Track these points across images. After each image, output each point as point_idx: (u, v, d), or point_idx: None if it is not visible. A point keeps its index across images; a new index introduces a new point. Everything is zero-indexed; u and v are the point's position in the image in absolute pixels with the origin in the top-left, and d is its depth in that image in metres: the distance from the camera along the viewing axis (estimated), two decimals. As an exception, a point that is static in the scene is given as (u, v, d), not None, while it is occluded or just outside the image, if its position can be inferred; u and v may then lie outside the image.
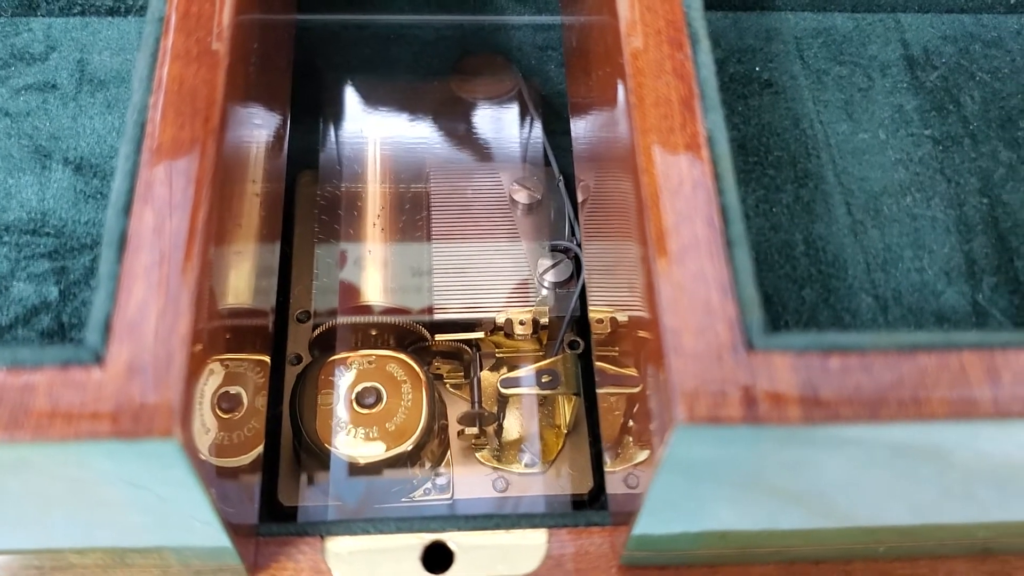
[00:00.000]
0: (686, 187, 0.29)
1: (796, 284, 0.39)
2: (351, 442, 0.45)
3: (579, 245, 0.51)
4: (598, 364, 0.40)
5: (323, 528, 0.36)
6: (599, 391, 0.40)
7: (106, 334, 0.26)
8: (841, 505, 0.33)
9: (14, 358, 0.26)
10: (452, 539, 0.36)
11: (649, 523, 0.32)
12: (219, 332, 0.30)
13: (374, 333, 0.50)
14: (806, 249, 0.40)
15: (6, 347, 0.27)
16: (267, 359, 0.39)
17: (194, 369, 0.26)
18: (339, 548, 0.35)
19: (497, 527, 0.36)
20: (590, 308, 0.43)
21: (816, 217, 0.41)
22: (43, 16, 0.45)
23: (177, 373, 0.26)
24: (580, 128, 0.44)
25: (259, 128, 0.37)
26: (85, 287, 0.37)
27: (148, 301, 0.27)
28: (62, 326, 0.37)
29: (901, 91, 0.45)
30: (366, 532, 0.36)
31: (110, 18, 0.45)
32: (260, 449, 0.37)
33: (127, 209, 0.28)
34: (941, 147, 0.43)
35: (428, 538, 0.36)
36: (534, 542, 0.36)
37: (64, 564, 0.34)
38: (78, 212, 0.39)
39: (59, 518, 0.31)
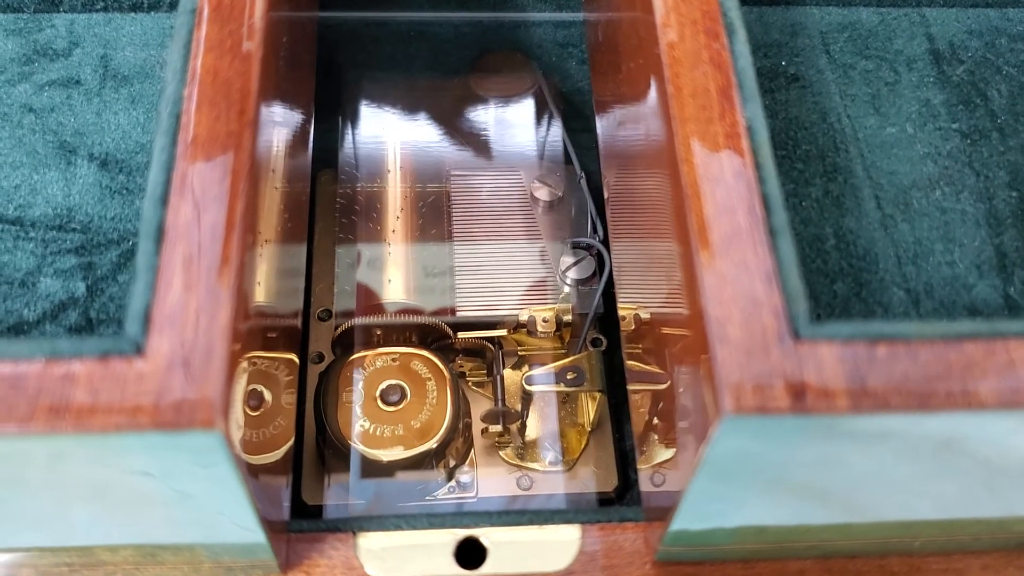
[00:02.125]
0: (727, 176, 0.29)
1: (828, 278, 0.39)
2: (376, 440, 0.45)
3: (602, 242, 0.50)
4: (628, 362, 0.40)
5: (355, 524, 0.35)
6: (630, 387, 0.39)
7: (146, 325, 0.26)
8: (878, 500, 0.32)
9: (53, 349, 0.25)
10: (485, 535, 0.35)
11: (686, 519, 0.32)
12: (253, 328, 0.30)
13: (396, 331, 0.49)
14: (837, 243, 0.40)
15: (44, 339, 0.27)
16: (295, 358, 0.39)
17: (233, 362, 0.26)
18: (371, 544, 0.35)
19: (530, 523, 0.36)
20: (619, 304, 0.43)
21: (846, 211, 0.41)
22: (66, 12, 0.45)
23: (218, 365, 0.25)
24: (608, 123, 0.44)
25: (286, 125, 0.37)
26: (112, 282, 0.37)
27: (187, 293, 0.26)
28: (90, 321, 0.36)
29: (928, 85, 0.45)
30: (398, 528, 0.35)
31: (132, 14, 0.45)
32: (290, 446, 0.37)
33: (164, 200, 0.28)
34: (969, 141, 0.43)
35: (461, 534, 0.35)
36: (567, 538, 0.35)
37: (94, 561, 0.33)
38: (104, 208, 0.39)
39: (92, 515, 0.30)
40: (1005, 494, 0.32)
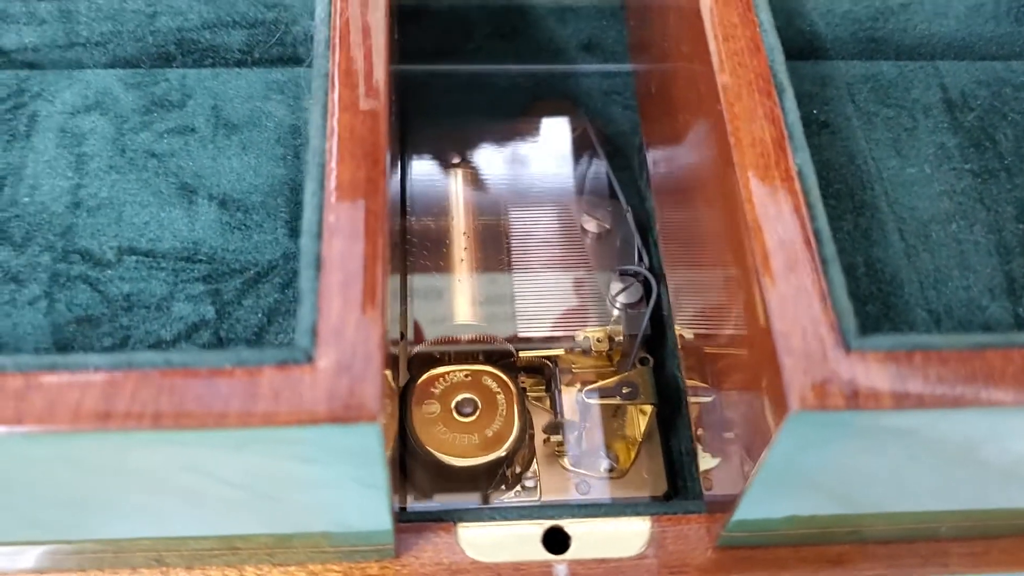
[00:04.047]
0: (784, 214, 0.35)
1: (860, 301, 0.44)
2: (452, 447, 0.50)
3: (649, 269, 0.56)
4: (688, 380, 0.45)
5: (455, 516, 0.41)
6: (689, 399, 0.45)
7: (314, 338, 0.31)
8: (911, 491, 0.38)
9: (239, 359, 0.31)
10: (568, 525, 0.41)
11: (747, 509, 0.38)
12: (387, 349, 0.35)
13: (465, 352, 0.55)
14: (867, 271, 0.45)
15: (232, 350, 0.32)
16: (395, 377, 0.44)
17: (386, 371, 0.32)
18: (470, 533, 0.40)
19: (607, 515, 0.41)
20: (677, 325, 0.48)
21: (873, 242, 0.46)
22: (178, 67, 0.50)
23: (375, 370, 0.31)
24: (661, 163, 0.50)
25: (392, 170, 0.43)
26: (238, 307, 0.43)
27: (346, 311, 0.32)
28: (220, 340, 0.42)
29: (942, 130, 0.51)
30: (492, 519, 0.41)
31: (238, 69, 0.50)
32: (395, 449, 0.42)
33: (319, 236, 0.33)
34: (980, 179, 0.49)
35: (547, 524, 0.41)
36: (639, 528, 0.41)
37: (230, 548, 0.39)
38: (226, 241, 0.45)
39: (240, 507, 0.36)
40: (1012, 485, 0.38)
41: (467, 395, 0.52)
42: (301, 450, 0.32)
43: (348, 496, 0.35)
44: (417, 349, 0.54)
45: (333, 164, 0.35)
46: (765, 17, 0.40)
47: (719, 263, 0.39)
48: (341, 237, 0.33)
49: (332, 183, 0.35)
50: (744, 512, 0.38)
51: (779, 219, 0.35)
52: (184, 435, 0.30)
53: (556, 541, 0.40)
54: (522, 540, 0.40)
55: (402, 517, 0.40)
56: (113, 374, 0.30)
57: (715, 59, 0.39)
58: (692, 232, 0.44)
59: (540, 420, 0.55)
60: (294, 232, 0.45)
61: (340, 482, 0.34)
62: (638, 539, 0.40)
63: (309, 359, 0.31)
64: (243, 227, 0.45)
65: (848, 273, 0.45)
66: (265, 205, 0.46)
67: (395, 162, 0.53)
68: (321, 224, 0.34)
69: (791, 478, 0.35)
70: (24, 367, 0.30)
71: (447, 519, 0.40)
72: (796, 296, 0.33)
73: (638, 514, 0.41)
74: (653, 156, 0.52)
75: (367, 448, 0.31)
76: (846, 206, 0.48)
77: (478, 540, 0.40)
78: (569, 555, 0.40)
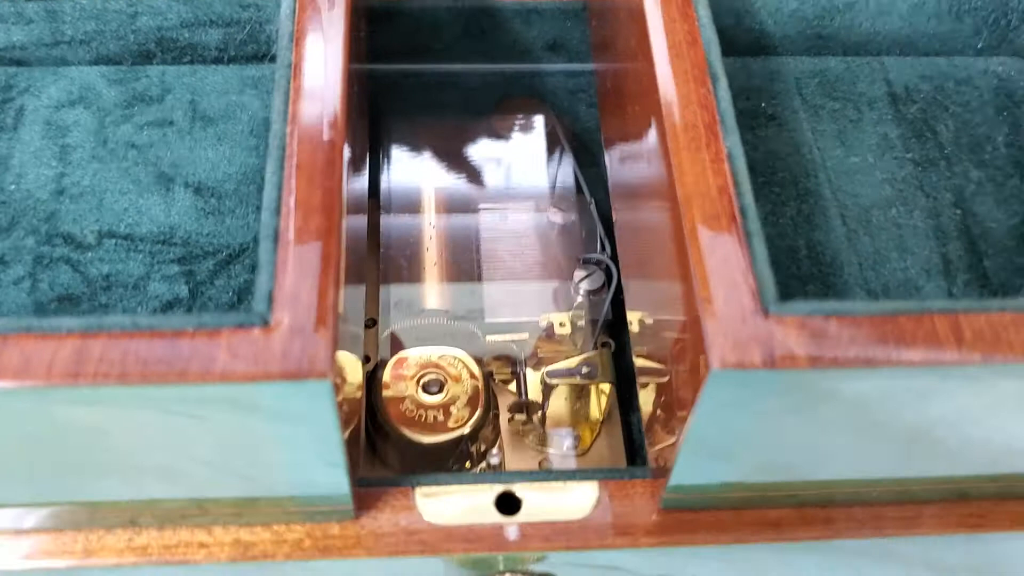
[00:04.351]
0: (712, 192, 0.37)
1: (801, 281, 0.47)
2: (419, 425, 0.52)
3: (611, 258, 0.59)
4: (636, 359, 0.48)
5: (413, 481, 0.43)
6: (639, 379, 0.47)
7: (270, 304, 0.34)
8: (839, 457, 0.40)
9: (200, 322, 0.33)
10: (519, 490, 0.43)
11: (683, 472, 0.40)
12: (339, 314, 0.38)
13: (434, 335, 0.57)
14: (808, 253, 0.48)
15: (193, 314, 0.34)
16: (358, 358, 0.47)
17: (336, 334, 0.34)
18: (426, 498, 0.42)
19: (556, 479, 0.44)
20: (628, 310, 0.51)
21: (816, 227, 0.49)
22: (158, 64, 0.53)
23: (327, 332, 0.33)
24: (615, 156, 0.52)
25: (355, 159, 0.45)
26: (210, 286, 0.45)
27: (301, 280, 0.34)
28: (193, 318, 0.44)
29: (886, 122, 0.53)
30: (448, 484, 0.43)
31: (214, 65, 0.53)
32: (356, 424, 0.44)
33: (277, 211, 0.36)
34: (921, 168, 0.51)
35: (499, 488, 0.43)
36: (588, 492, 0.43)
37: (203, 511, 0.41)
38: (200, 226, 0.47)
39: (210, 470, 0.38)
40: (934, 450, 0.40)
41: (434, 376, 0.54)
42: (260, 408, 0.34)
43: (307, 457, 0.37)
44: (387, 332, 0.57)
45: (293, 146, 0.38)
46: (703, 12, 0.43)
47: (659, 244, 0.41)
48: (298, 213, 0.36)
49: (292, 163, 0.37)
50: (680, 475, 0.40)
51: (708, 196, 0.37)
52: (149, 391, 0.32)
53: (508, 504, 0.43)
54: (476, 503, 0.42)
55: (362, 482, 0.42)
56: (84, 335, 0.33)
57: (655, 51, 0.42)
58: (639, 218, 0.46)
59: (506, 401, 0.57)
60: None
61: (298, 442, 0.36)
62: (586, 502, 0.43)
63: (265, 322, 0.34)
64: (217, 212, 0.48)
65: (790, 255, 0.48)
66: (238, 192, 0.48)
67: (368, 157, 0.56)
68: (280, 201, 0.36)
69: (718, 440, 0.38)
70: (1, 329, 0.33)
71: (405, 484, 0.43)
72: (720, 265, 0.36)
73: (586, 479, 0.43)
74: (609, 149, 0.54)
75: (320, 406, 0.34)
76: (790, 193, 0.50)
77: (434, 504, 0.42)
78: (520, 517, 0.42)
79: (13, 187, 0.48)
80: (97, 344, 0.33)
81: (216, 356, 0.33)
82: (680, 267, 0.37)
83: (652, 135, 0.42)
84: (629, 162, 0.48)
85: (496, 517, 0.42)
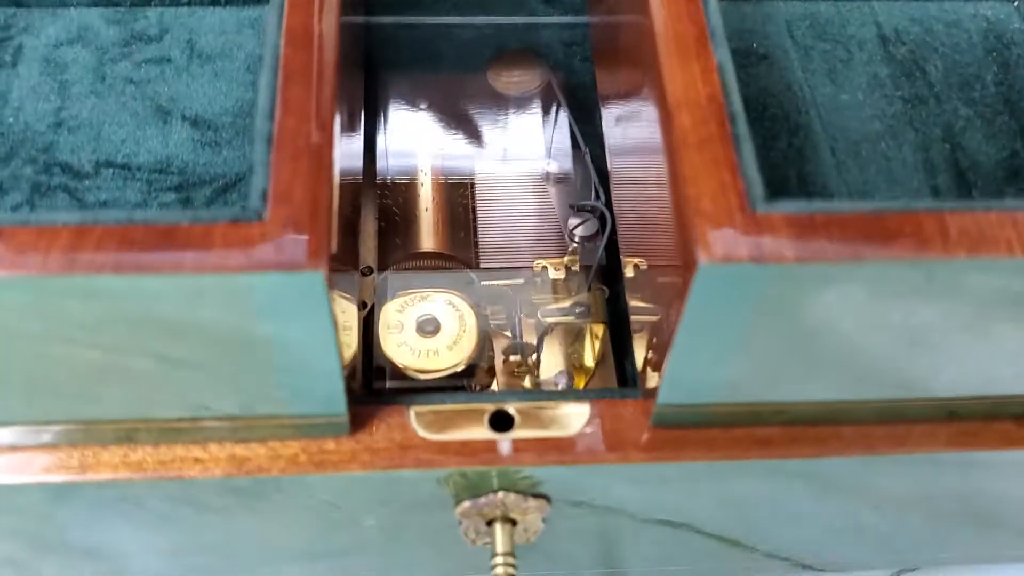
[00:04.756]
0: (702, 99, 0.38)
1: (791, 209, 0.47)
2: (415, 362, 0.53)
3: (606, 205, 0.59)
4: (631, 301, 0.48)
5: (407, 400, 0.43)
6: (632, 318, 0.48)
7: (264, 201, 0.34)
8: (827, 371, 0.41)
9: (195, 216, 0.34)
10: (513, 407, 0.43)
11: (671, 388, 0.40)
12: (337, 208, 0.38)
13: (431, 278, 0.58)
14: (798, 183, 0.48)
15: (190, 209, 0.35)
16: (354, 302, 0.47)
17: (329, 231, 0.34)
18: (421, 414, 0.43)
19: (549, 399, 0.44)
20: (622, 255, 0.51)
21: (806, 159, 0.49)
22: (156, 6, 0.54)
23: (320, 227, 0.34)
24: (610, 107, 0.53)
25: (347, 111, 0.46)
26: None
27: (294, 179, 0.35)
28: (189, 242, 0.45)
29: (876, 62, 0.54)
30: (443, 403, 0.43)
31: (212, 7, 0.54)
32: (354, 352, 0.45)
33: (271, 116, 0.36)
34: (910, 105, 0.52)
35: (492, 406, 0.43)
36: (579, 410, 0.43)
37: (199, 427, 0.41)
38: (197, 156, 0.48)
39: (204, 381, 0.39)
40: (922, 363, 0.40)
41: (430, 316, 0.55)
42: (254, 306, 0.34)
43: (302, 359, 0.37)
44: (383, 276, 0.57)
45: (288, 55, 0.38)
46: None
47: (652, 171, 0.42)
48: (291, 117, 0.36)
49: (284, 71, 0.38)
50: (668, 391, 0.41)
51: (697, 103, 0.38)
52: (144, 282, 0.33)
53: (501, 422, 0.43)
54: (469, 420, 0.43)
55: (357, 401, 0.43)
56: (81, 227, 0.33)
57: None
58: (634, 162, 0.47)
59: (501, 345, 0.58)
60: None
61: (293, 343, 0.36)
62: (578, 419, 0.43)
63: (259, 217, 0.34)
64: (213, 144, 0.48)
65: (780, 186, 0.48)
66: (234, 125, 0.49)
67: (364, 109, 0.56)
68: (274, 106, 0.37)
69: (706, 347, 0.38)
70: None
71: (400, 403, 0.43)
72: (709, 167, 0.36)
73: (579, 399, 0.44)
74: (604, 102, 0.55)
75: (314, 300, 0.34)
76: (781, 127, 0.51)
77: (428, 420, 0.43)
78: (513, 434, 0.43)
79: (12, 120, 0.49)
80: (93, 235, 0.33)
81: (211, 248, 0.33)
82: (671, 176, 0.38)
83: (646, 53, 0.42)
84: (624, 109, 0.49)
85: (489, 434, 0.43)
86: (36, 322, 0.35)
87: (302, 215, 0.34)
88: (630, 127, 0.47)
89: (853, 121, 0.51)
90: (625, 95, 0.48)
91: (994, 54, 0.55)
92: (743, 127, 0.37)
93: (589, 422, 0.43)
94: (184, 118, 0.49)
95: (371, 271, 0.60)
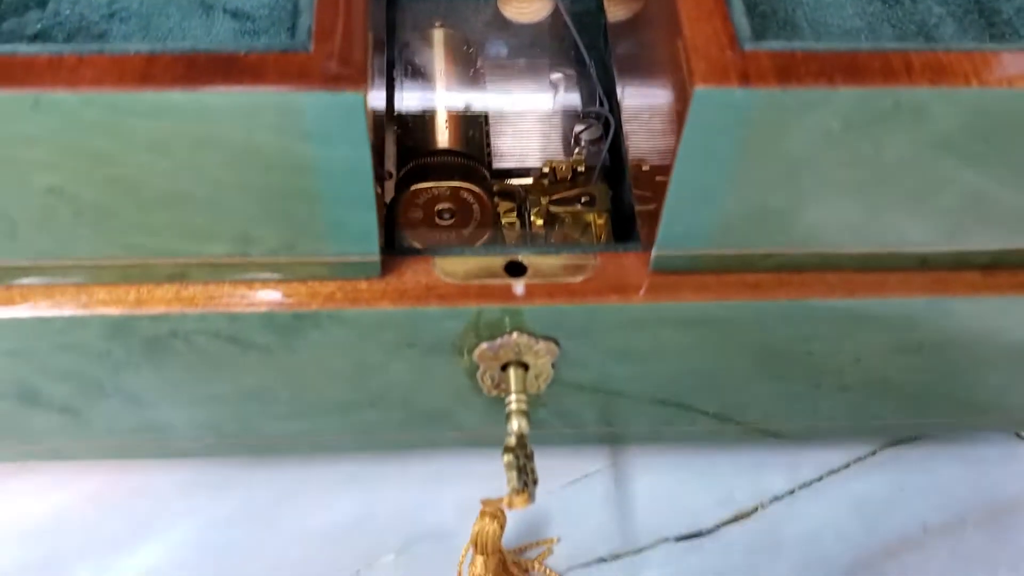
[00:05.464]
0: (697, -36, 0.43)
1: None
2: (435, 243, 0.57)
3: (610, 111, 0.64)
4: (636, 197, 0.53)
5: (431, 252, 0.48)
6: (638, 210, 0.52)
7: (310, 36, 0.39)
8: (811, 210, 0.45)
9: (251, 46, 0.39)
10: (526, 259, 0.48)
11: (669, 232, 0.45)
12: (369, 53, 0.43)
13: (446, 173, 0.63)
14: (785, 68, 0.53)
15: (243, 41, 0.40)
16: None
17: (368, 63, 0.39)
18: (444, 262, 0.47)
19: (559, 252, 0.49)
20: (628, 156, 0.56)
21: (793, 50, 0.54)
22: (196, -81, 0.59)
23: (360, 60, 0.38)
24: (616, 21, 0.58)
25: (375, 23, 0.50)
26: (248, 88, 0.50)
27: (335, 21, 0.40)
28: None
29: (857, -31, 0.59)
30: (463, 254, 0.48)
31: (249, -80, 0.59)
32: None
33: (315, -30, 0.41)
34: (887, 5, 0.57)
35: (507, 258, 0.48)
36: (586, 261, 0.48)
37: (242, 259, 0.46)
38: (237, 45, 0.52)
39: (254, 201, 0.43)
40: (896, 204, 0.45)
41: (447, 205, 0.59)
42: (302, 124, 0.39)
43: (340, 189, 0.42)
44: (405, 170, 0.62)
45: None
46: None
47: (654, 45, 0.46)
48: (332, -28, 0.41)
49: (326, -62, 0.42)
50: (666, 235, 0.45)
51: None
52: (208, 97, 0.38)
53: (516, 270, 0.48)
54: (487, 267, 0.47)
55: (386, 251, 0.47)
56: (151, 55, 0.38)
57: None
58: (637, 64, 0.51)
59: (511, 238, 0.62)
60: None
61: (334, 169, 0.41)
62: (586, 269, 0.48)
63: (307, 49, 0.39)
64: (252, 32, 0.53)
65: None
66: (271, 16, 0.53)
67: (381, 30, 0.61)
68: (316, -37, 0.41)
69: (701, 179, 0.43)
70: (78, 51, 0.38)
71: (424, 254, 0.48)
72: (702, 16, 0.41)
73: (585, 251, 0.48)
74: (611, 19, 0.60)
75: (354, 121, 0.39)
76: (770, 23, 0.55)
77: (450, 267, 0.47)
78: (526, 278, 0.47)
79: (68, 11, 0.53)
80: (162, 60, 0.38)
81: (265, 72, 0.38)
82: (669, 27, 0.42)
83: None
84: (630, 22, 0.54)
85: (505, 279, 0.47)
86: (109, 141, 0.39)
87: (344, 49, 0.39)
88: (634, 23, 0.52)
89: (836, 19, 0.56)
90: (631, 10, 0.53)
91: (966, -39, 0.59)
92: (732, -15, 0.42)
93: (595, 269, 0.48)
94: (225, 11, 0.54)
95: (390, 176, 0.64)
